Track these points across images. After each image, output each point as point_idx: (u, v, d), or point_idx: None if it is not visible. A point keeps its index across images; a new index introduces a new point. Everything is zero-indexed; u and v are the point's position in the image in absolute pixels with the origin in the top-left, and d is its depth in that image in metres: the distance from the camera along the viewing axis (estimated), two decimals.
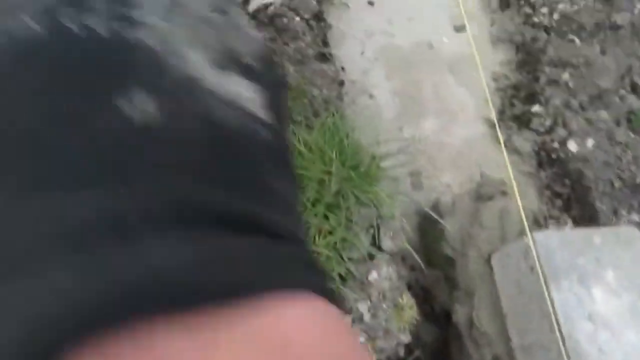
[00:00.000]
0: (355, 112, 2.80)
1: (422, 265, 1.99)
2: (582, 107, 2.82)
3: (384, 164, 2.49)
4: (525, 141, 2.83)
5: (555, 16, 3.00)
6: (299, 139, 2.00)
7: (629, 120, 3.03)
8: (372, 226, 1.93)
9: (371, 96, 2.90)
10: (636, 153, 2.84)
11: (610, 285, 1.65)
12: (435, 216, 2.18)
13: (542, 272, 1.65)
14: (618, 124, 2.98)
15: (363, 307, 1.80)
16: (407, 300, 1.82)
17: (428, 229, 2.37)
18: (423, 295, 2.33)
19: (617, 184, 2.75)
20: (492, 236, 1.99)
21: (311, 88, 2.37)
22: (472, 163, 2.78)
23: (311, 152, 1.98)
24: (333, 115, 2.14)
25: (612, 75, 2.87)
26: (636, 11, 3.02)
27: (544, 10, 3.04)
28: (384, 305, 1.83)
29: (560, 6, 3.01)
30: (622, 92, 3.10)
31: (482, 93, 3.02)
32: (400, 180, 2.71)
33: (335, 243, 1.81)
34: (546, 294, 1.62)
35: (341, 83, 2.61)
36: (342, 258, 1.80)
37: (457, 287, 2.08)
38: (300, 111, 2.22)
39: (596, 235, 1.72)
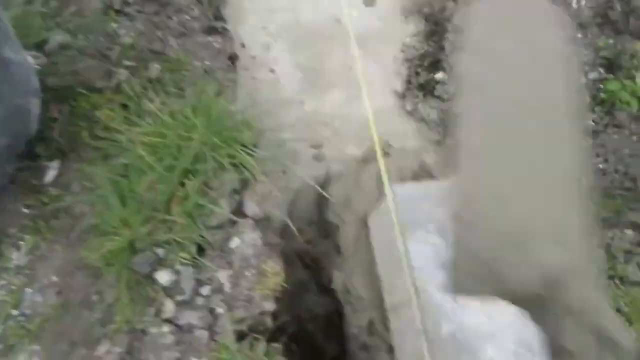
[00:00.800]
0: (255, 87, 2.71)
1: (295, 232, 1.88)
2: None
3: (275, 135, 2.40)
4: (431, 109, 2.77)
5: None
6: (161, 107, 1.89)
7: None
8: (236, 192, 1.82)
9: (272, 70, 2.81)
10: None
11: None
12: (316, 185, 2.08)
13: (400, 225, 1.55)
14: None
15: (223, 276, 1.69)
16: (272, 266, 1.71)
17: (322, 200, 2.28)
18: (315, 267, 2.23)
19: None
20: (370, 198, 1.89)
21: (193, 60, 2.26)
22: (378, 135, 2.70)
23: (175, 120, 1.87)
24: (207, 83, 2.03)
25: None
26: None
27: None
28: (247, 273, 1.71)
29: None
30: None
31: (390, 65, 2.95)
32: (300, 152, 2.61)
33: (191, 210, 1.70)
34: (401, 246, 1.52)
35: (232, 57, 2.51)
36: (198, 226, 1.68)
37: (340, 254, 1.98)
38: (175, 81, 2.11)
39: None
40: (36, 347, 1.54)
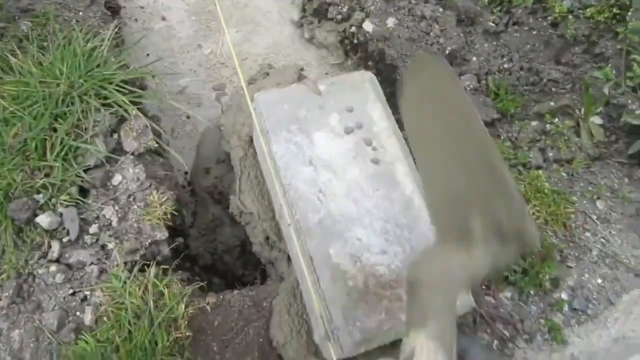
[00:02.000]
0: (148, 36, 2.66)
1: (184, 165, 1.90)
2: None
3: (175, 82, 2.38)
4: (328, 33, 2.76)
5: None
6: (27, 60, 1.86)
7: None
8: (113, 130, 1.81)
9: (164, 18, 2.76)
10: (444, 26, 2.80)
11: (335, 129, 1.59)
12: (202, 119, 2.08)
13: (263, 130, 1.58)
14: (426, 1, 2.93)
15: (109, 213, 1.70)
16: (158, 197, 1.72)
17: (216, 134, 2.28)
18: (225, 201, 2.26)
19: None
20: (250, 118, 1.90)
21: (64, 13, 2.21)
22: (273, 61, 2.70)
23: (42, 70, 1.84)
24: (74, 31, 1.99)
25: None
26: None
27: None
28: (135, 207, 1.73)
29: None
30: None
31: None
32: (203, 95, 2.61)
33: (66, 153, 1.69)
34: (265, 150, 1.55)
35: (113, 7, 2.45)
36: (74, 167, 1.68)
37: (234, 180, 2.00)
38: (44, 35, 2.06)
39: (322, 85, 1.65)
40: None
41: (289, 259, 1.79)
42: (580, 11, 2.70)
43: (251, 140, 1.89)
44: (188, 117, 2.56)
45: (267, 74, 2.01)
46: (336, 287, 1.38)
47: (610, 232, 2.02)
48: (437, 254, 1.05)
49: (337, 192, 1.49)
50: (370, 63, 2.65)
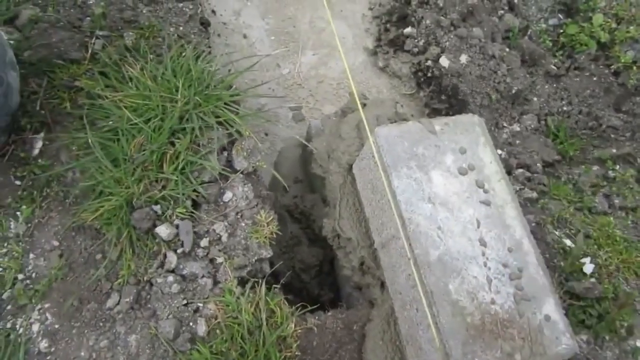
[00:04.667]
0: (229, 53, 2.73)
1: (284, 184, 1.97)
2: (454, 25, 2.85)
3: (254, 99, 2.45)
4: (403, 64, 2.85)
5: None
6: (144, 73, 1.93)
7: (505, 38, 3.09)
8: (224, 148, 1.89)
9: (245, 36, 2.84)
10: (511, 66, 2.91)
11: (450, 168, 1.67)
12: (302, 140, 2.16)
13: (383, 164, 1.65)
14: (493, 40, 3.03)
15: (219, 228, 1.77)
16: (265, 216, 1.79)
17: (307, 155, 2.35)
18: (305, 220, 2.33)
19: (494, 96, 2.81)
20: (351, 147, 1.98)
21: (166, 26, 2.29)
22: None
23: (156, 84, 1.91)
24: (183, 47, 2.07)
25: None
26: None
27: None
28: (242, 224, 1.80)
29: None
30: (500, 11, 3.15)
31: (360, 24, 3.01)
32: (280, 114, 2.68)
33: (183, 167, 1.76)
34: (385, 183, 1.63)
35: (204, 23, 2.53)
36: (191, 182, 1.75)
37: (326, 204, 2.07)
38: (151, 48, 2.14)
39: (437, 124, 1.74)
40: (47, 305, 1.60)
41: (382, 286, 1.86)
42: None
43: (350, 168, 1.96)
44: (266, 134, 2.64)
45: (365, 105, 2.09)
46: (456, 322, 1.45)
47: None
48: None
49: (455, 230, 1.57)
50: (443, 97, 2.75)
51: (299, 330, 1.65)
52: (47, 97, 2.01)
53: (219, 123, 1.88)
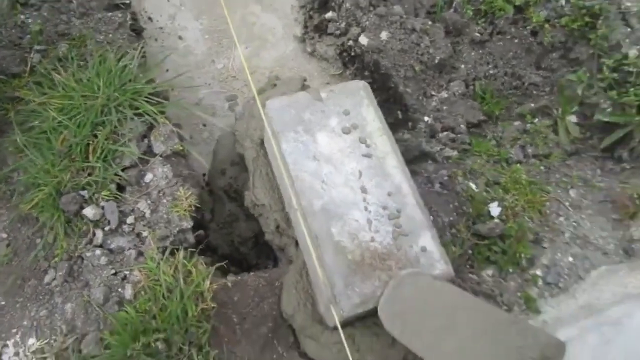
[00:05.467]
0: (167, 55, 2.96)
1: (205, 163, 2.18)
2: (373, 5, 3.04)
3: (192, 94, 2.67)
4: (328, 47, 3.05)
5: None
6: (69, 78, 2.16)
7: (432, 12, 3.28)
8: (144, 136, 2.11)
9: (180, 38, 3.06)
10: (434, 37, 3.09)
11: (334, 129, 1.88)
12: (218, 126, 2.37)
13: (273, 131, 1.86)
14: (417, 15, 3.22)
15: (143, 206, 1.99)
16: (184, 192, 2.01)
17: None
18: (240, 198, 2.54)
19: (417, 67, 3.00)
20: (261, 123, 2.19)
21: (96, 35, 2.52)
22: (278, 74, 2.99)
23: (80, 85, 2.14)
24: (108, 51, 2.30)
25: None
26: None
27: None
28: (164, 200, 2.02)
29: None
30: None
31: (289, 14, 3.22)
32: (217, 105, 2.90)
33: (105, 155, 1.99)
34: (275, 149, 1.84)
35: (136, 29, 2.76)
36: (112, 167, 1.98)
37: (247, 178, 2.28)
38: (81, 56, 2.37)
39: (323, 92, 1.94)
40: None
41: (296, 244, 2.06)
42: (556, 20, 2.96)
43: (262, 142, 2.17)
44: (204, 125, 2.86)
45: (275, 85, 2.31)
46: (338, 260, 1.65)
47: (581, 216, 2.28)
48: None
49: (337, 182, 1.77)
50: (366, 73, 2.95)
51: (215, 286, 1.86)
52: None
53: (139, 114, 2.11)
